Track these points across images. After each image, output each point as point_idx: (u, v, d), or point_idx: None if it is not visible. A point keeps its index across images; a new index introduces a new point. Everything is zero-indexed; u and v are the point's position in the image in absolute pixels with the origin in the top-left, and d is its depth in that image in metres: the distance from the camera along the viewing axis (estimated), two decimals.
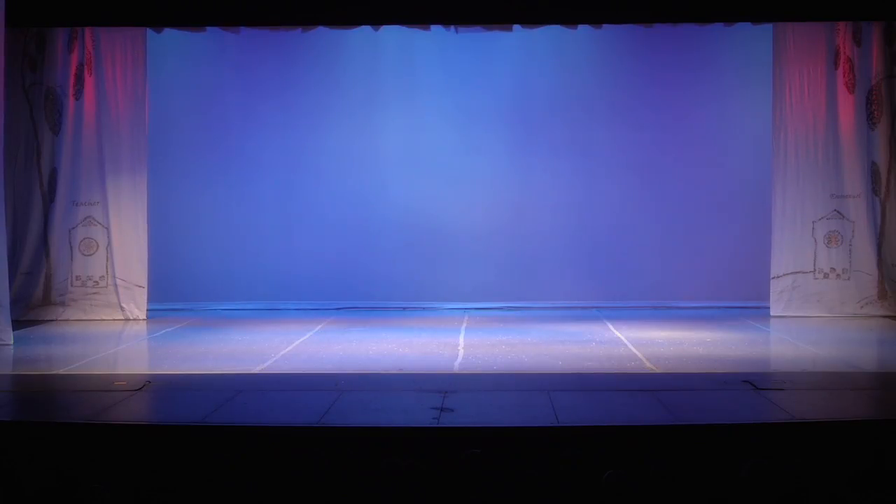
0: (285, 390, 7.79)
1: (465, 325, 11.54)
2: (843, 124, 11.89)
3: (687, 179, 13.09)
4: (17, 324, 10.75)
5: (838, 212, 11.97)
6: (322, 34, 12.19)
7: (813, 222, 12.00)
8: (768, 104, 12.10)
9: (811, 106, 11.92)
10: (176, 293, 12.83)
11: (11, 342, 9.92)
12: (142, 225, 12.10)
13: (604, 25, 11.86)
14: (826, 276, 12.01)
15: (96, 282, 12.10)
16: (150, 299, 12.17)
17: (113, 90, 12.02)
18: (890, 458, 5.74)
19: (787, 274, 12.03)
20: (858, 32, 11.80)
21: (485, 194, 13.21)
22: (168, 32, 11.94)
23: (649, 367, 8.74)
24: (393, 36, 12.61)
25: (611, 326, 11.23)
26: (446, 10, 11.07)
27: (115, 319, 11.96)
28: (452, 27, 12.01)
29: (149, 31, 11.92)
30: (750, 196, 12.88)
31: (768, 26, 11.92)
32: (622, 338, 10.40)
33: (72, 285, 12.07)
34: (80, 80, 11.99)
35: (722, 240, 13.01)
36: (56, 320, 11.86)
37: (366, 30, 12.13)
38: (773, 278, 12.05)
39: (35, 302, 12.02)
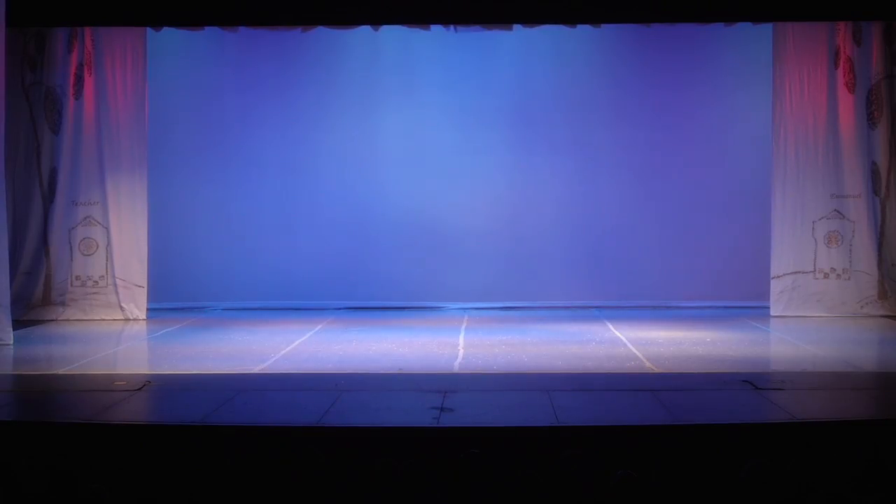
0: (285, 390, 7.79)
1: (465, 325, 11.54)
2: (843, 124, 11.88)
3: (687, 179, 13.08)
4: (17, 324, 10.74)
5: (838, 212, 11.96)
6: (321, 33, 12.17)
7: (813, 222, 12.00)
8: (768, 104, 12.09)
9: (811, 106, 11.92)
10: (176, 293, 12.82)
11: (11, 342, 9.93)
12: (141, 225, 12.09)
13: (604, 25, 11.87)
14: (826, 276, 12.01)
15: (96, 282, 12.10)
16: (149, 299, 12.17)
17: (113, 90, 12.01)
18: (890, 458, 5.73)
19: (787, 274, 12.02)
20: (858, 32, 11.80)
21: (485, 194, 13.20)
22: (167, 32, 11.92)
23: (649, 366, 8.74)
24: (392, 35, 12.59)
25: (611, 326, 11.23)
26: (446, 10, 11.06)
27: (114, 319, 11.95)
28: (452, 27, 12.01)
29: (148, 31, 11.92)
30: (750, 196, 12.87)
31: (768, 26, 11.92)
32: (622, 338, 10.39)
33: (71, 285, 12.07)
34: (79, 79, 11.99)
35: (722, 240, 13.01)
36: (56, 320, 11.85)
37: (365, 29, 12.12)
38: (773, 278, 12.05)
39: (35, 302, 12.01)
